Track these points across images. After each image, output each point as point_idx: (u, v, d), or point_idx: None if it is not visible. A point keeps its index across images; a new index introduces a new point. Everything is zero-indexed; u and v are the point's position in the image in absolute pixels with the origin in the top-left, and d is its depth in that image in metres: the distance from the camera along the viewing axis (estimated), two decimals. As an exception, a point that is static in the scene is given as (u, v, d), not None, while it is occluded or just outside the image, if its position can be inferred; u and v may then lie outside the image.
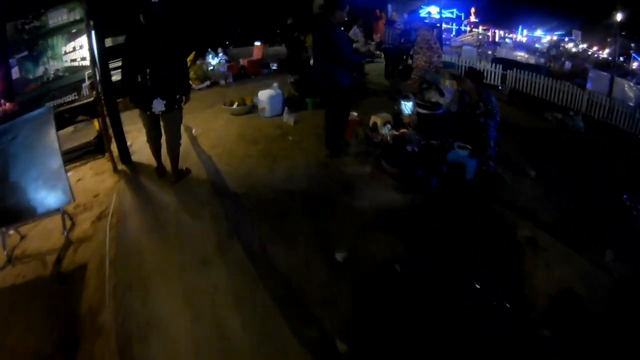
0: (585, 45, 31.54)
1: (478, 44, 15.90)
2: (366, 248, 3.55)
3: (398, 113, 6.01)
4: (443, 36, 16.48)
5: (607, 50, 25.45)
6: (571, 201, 4.74)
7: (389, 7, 12.97)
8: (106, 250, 3.48)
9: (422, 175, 4.64)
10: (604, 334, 2.89)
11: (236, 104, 7.02)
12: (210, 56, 9.82)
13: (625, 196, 4.46)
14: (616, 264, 3.58)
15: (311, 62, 8.92)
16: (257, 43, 11.38)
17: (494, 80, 11.88)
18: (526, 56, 15.11)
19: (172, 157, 4.47)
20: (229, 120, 6.75)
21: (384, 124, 5.76)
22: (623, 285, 3.38)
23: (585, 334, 2.88)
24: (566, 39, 30.92)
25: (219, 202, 4.22)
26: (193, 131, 5.99)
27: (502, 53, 14.94)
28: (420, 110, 6.02)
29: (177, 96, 4.23)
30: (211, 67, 9.63)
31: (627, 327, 2.97)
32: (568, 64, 17.38)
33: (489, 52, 15.08)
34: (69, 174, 4.53)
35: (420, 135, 5.32)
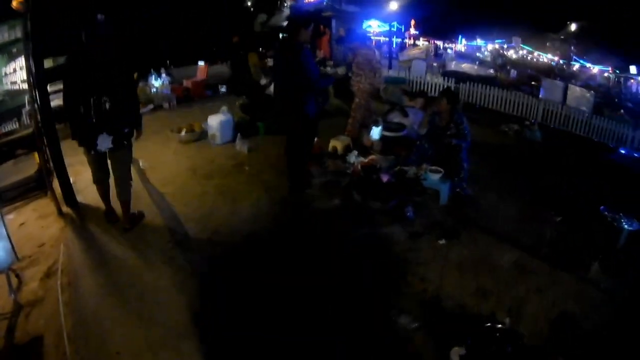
0: (524, 52, 33.16)
1: (426, 57, 16.02)
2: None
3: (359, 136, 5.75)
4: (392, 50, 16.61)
5: (550, 56, 26.85)
6: (550, 219, 4.66)
7: (333, 22, 12.87)
8: (62, 319, 2.87)
9: (396, 206, 4.37)
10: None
11: (184, 130, 6.46)
12: (153, 77, 9.13)
13: (602, 207, 4.32)
14: (602, 276, 3.59)
15: (262, 82, 8.64)
16: (201, 63, 10.77)
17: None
18: (475, 67, 15.36)
19: (122, 202, 3.88)
20: (178, 150, 6.19)
21: (344, 148, 5.50)
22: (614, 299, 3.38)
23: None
24: (505, 46, 32.41)
25: (182, 254, 3.65)
26: (141, 164, 5.39)
27: (451, 66, 15.18)
28: (384, 133, 5.77)
29: (126, 130, 3.67)
30: (154, 89, 8.97)
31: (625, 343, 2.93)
32: (513, 72, 18.01)
33: (435, 65, 15.31)
34: (10, 216, 4.09)
35: (391, 161, 5.06)
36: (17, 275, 3.30)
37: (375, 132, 5.49)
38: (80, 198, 4.43)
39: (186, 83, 9.82)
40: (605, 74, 20.32)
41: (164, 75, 9.23)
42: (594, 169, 6.91)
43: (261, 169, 5.43)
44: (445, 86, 11.80)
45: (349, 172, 5.07)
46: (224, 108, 6.46)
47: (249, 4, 14.39)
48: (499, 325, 2.77)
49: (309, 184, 4.89)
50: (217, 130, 6.25)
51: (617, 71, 21.04)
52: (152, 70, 9.20)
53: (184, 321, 2.89)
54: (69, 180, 4.33)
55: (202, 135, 6.54)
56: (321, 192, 4.83)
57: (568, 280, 3.57)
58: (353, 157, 5.22)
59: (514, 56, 26.29)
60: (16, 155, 4.45)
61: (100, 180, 3.86)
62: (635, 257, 3.90)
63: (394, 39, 20.69)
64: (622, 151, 8.34)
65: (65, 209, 4.26)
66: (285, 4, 14.90)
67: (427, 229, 4.16)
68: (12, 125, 5.18)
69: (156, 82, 9.00)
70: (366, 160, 5.05)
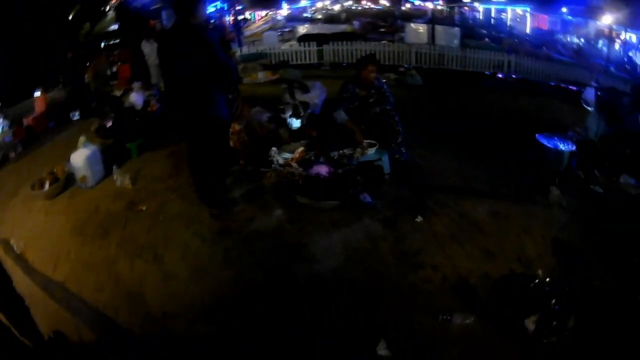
0: (350, 2, 34.51)
1: (276, 27, 15.55)
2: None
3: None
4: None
5: (383, 1, 28.09)
6: (489, 162, 4.78)
7: (163, 14, 11.74)
8: None
9: (352, 197, 3.86)
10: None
11: (47, 182, 4.94)
12: None
13: (537, 136, 4.39)
14: (562, 196, 3.82)
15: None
16: (37, 93, 8.90)
17: (309, 59, 11.68)
18: (327, 26, 15.34)
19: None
20: (48, 209, 4.62)
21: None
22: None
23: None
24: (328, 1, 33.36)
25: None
26: (15, 247, 3.96)
27: (302, 30, 14.87)
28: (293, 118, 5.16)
29: None
30: None
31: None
32: (357, 24, 18.48)
33: (288, 31, 14.93)
34: None
35: (321, 147, 4.49)
36: None
37: (295, 122, 4.84)
38: None
39: (26, 121, 7.93)
40: (439, 7, 21.88)
41: (0, 120, 7.28)
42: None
43: (162, 202, 4.28)
44: (305, 52, 11.50)
45: (289, 174, 4.24)
46: (83, 139, 5.03)
47: (70, 16, 12.36)
48: (537, 280, 2.64)
49: (232, 200, 4.05)
50: (86, 169, 4.85)
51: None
52: None
53: None
54: None
55: (70, 181, 5.03)
56: (251, 206, 4.00)
57: (538, 210, 3.75)
58: (276, 155, 4.49)
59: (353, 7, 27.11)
60: None
61: None
62: (579, 172, 4.24)
63: (231, 17, 19.72)
64: (500, 76, 9.05)
65: None
66: (109, 8, 13.22)
67: (394, 211, 3.76)
68: None
69: None
70: (296, 156, 4.38)
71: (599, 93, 4.96)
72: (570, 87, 8.60)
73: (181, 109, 3.48)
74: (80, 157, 4.83)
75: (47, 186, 4.75)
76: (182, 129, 3.71)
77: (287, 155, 4.47)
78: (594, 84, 4.70)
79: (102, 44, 15.86)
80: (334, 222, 3.61)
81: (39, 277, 3.35)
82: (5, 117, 7.28)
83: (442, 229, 3.51)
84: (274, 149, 4.57)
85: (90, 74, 9.65)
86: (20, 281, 2.62)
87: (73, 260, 3.54)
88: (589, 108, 4.71)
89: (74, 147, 4.96)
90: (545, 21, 20.34)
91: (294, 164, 4.22)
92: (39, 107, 8.65)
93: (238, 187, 4.30)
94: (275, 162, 4.37)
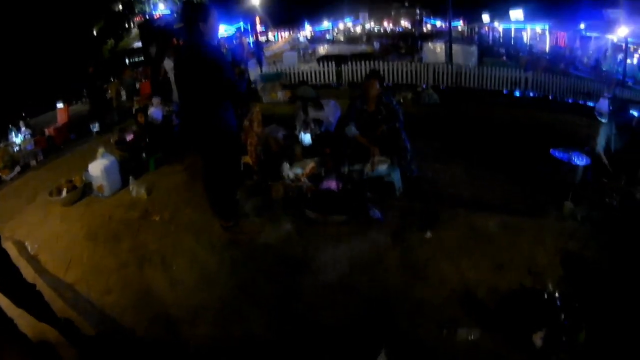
0: (372, 24, 34.91)
1: (297, 47, 15.87)
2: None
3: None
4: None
5: (404, 23, 28.44)
6: (502, 175, 4.79)
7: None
8: None
9: (361, 211, 3.87)
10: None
11: (65, 190, 5.08)
12: (13, 134, 7.52)
13: (552, 151, 4.41)
14: (576, 209, 3.81)
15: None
16: (60, 105, 9.23)
17: (328, 79, 11.83)
18: (346, 47, 15.56)
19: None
20: (64, 215, 4.80)
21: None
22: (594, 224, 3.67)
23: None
24: (351, 22, 33.89)
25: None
26: (29, 248, 4.11)
27: (322, 51, 15.15)
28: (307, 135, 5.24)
29: None
30: (16, 148, 7.35)
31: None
32: (377, 45, 18.71)
33: (310, 52, 15.22)
34: None
35: (333, 164, 4.54)
36: None
37: (307, 138, 4.92)
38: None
39: (48, 131, 8.27)
40: (459, 28, 22.04)
41: (23, 129, 7.62)
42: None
43: (174, 213, 4.40)
44: (324, 71, 11.68)
45: (297, 187, 4.33)
46: (102, 150, 5.25)
47: (94, 31, 12.89)
48: (547, 294, 2.59)
49: (244, 212, 4.11)
50: (103, 179, 5.04)
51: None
52: (10, 126, 7.53)
53: None
54: None
55: (87, 190, 5.24)
56: (260, 218, 4.05)
57: (552, 223, 3.71)
58: (287, 170, 4.56)
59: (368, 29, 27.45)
60: None
61: None
62: (594, 185, 4.26)
63: (252, 38, 20.20)
64: (517, 93, 9.02)
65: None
66: (133, 25, 13.71)
67: (403, 224, 3.77)
68: None
69: (17, 139, 7.38)
70: (307, 171, 4.44)
71: (611, 104, 4.92)
72: (587, 102, 8.54)
73: (191, 123, 3.58)
74: (98, 167, 5.01)
75: (64, 193, 4.96)
76: (194, 142, 3.79)
77: (299, 170, 4.54)
78: (607, 95, 4.67)
79: (127, 60, 16.43)
80: (342, 236, 3.62)
81: (50, 278, 3.49)
82: (28, 126, 7.62)
83: (452, 241, 3.49)
84: (285, 164, 4.65)
85: (114, 88, 10.05)
86: (31, 280, 2.66)
87: (83, 264, 3.69)
88: (602, 119, 4.67)
89: (93, 158, 5.15)
90: (563, 38, 20.30)
91: (304, 179, 4.28)
92: (62, 119, 9.01)
93: (250, 200, 4.36)
94: (286, 177, 4.43)
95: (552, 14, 20.52)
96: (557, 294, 2.55)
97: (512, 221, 3.75)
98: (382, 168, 4.30)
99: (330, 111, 5.84)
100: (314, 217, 3.86)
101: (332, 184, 4.13)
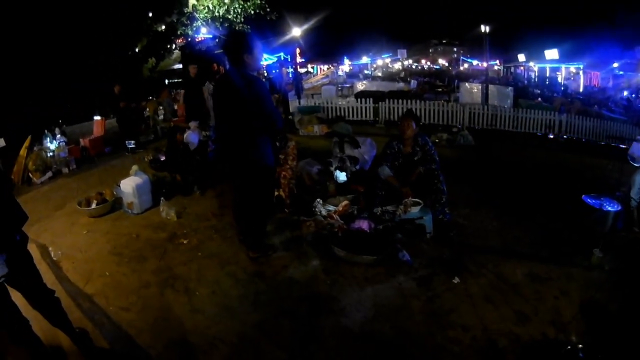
0: (410, 61, 35.26)
1: (335, 81, 16.24)
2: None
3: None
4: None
5: (441, 61, 28.70)
6: (532, 222, 4.83)
7: (226, 59, 12.47)
8: None
9: (390, 253, 3.92)
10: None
11: (95, 202, 5.20)
12: (48, 139, 7.60)
13: (584, 197, 4.36)
14: (605, 258, 3.79)
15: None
16: (97, 117, 9.57)
17: (365, 115, 12.00)
18: (384, 84, 15.81)
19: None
20: (90, 227, 4.91)
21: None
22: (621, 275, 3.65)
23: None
24: (390, 59, 34.26)
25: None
26: (52, 254, 4.19)
27: (360, 87, 15.46)
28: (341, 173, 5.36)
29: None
30: (50, 154, 7.60)
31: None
32: (413, 83, 18.87)
33: (348, 87, 15.56)
34: None
35: (366, 204, 4.64)
36: None
37: (342, 176, 5.06)
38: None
39: (83, 142, 8.59)
40: (495, 67, 22.06)
41: (58, 135, 7.88)
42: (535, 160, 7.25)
43: (203, 238, 4.49)
44: (361, 108, 11.87)
45: (329, 225, 4.37)
46: (135, 167, 5.43)
47: (137, 49, 13.49)
48: (569, 346, 2.65)
49: (271, 246, 4.16)
50: (134, 196, 5.13)
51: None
52: (45, 131, 7.84)
53: None
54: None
55: (116, 205, 5.37)
56: (288, 253, 4.10)
57: (579, 272, 3.71)
58: (320, 207, 4.69)
59: (406, 67, 27.76)
60: None
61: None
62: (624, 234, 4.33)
63: (291, 69, 20.75)
64: (550, 136, 8.98)
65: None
66: (175, 46, 14.22)
67: (431, 270, 3.77)
68: None
69: (52, 145, 7.66)
70: (340, 209, 4.55)
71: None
72: (620, 145, 8.41)
73: (228, 151, 3.65)
74: (130, 184, 5.12)
75: (93, 205, 5.11)
76: (228, 171, 3.87)
77: (331, 207, 4.65)
78: (639, 138, 4.59)
79: (166, 81, 16.94)
80: (368, 278, 3.65)
81: (69, 287, 3.60)
82: (63, 134, 7.86)
83: (478, 289, 3.47)
84: (318, 200, 4.77)
85: (152, 107, 10.36)
86: (51, 286, 2.78)
87: (105, 277, 3.77)
88: (635, 164, 4.61)
89: (125, 174, 5.35)
90: (597, 78, 20.06)
91: (336, 217, 4.38)
92: (97, 131, 9.31)
93: (279, 233, 4.45)
94: (319, 213, 4.55)
95: (586, 54, 20.48)
96: (580, 346, 2.55)
97: (539, 270, 3.75)
98: (415, 210, 4.35)
99: (366, 149, 5.99)
100: (343, 255, 3.88)
101: (363, 224, 4.21)
